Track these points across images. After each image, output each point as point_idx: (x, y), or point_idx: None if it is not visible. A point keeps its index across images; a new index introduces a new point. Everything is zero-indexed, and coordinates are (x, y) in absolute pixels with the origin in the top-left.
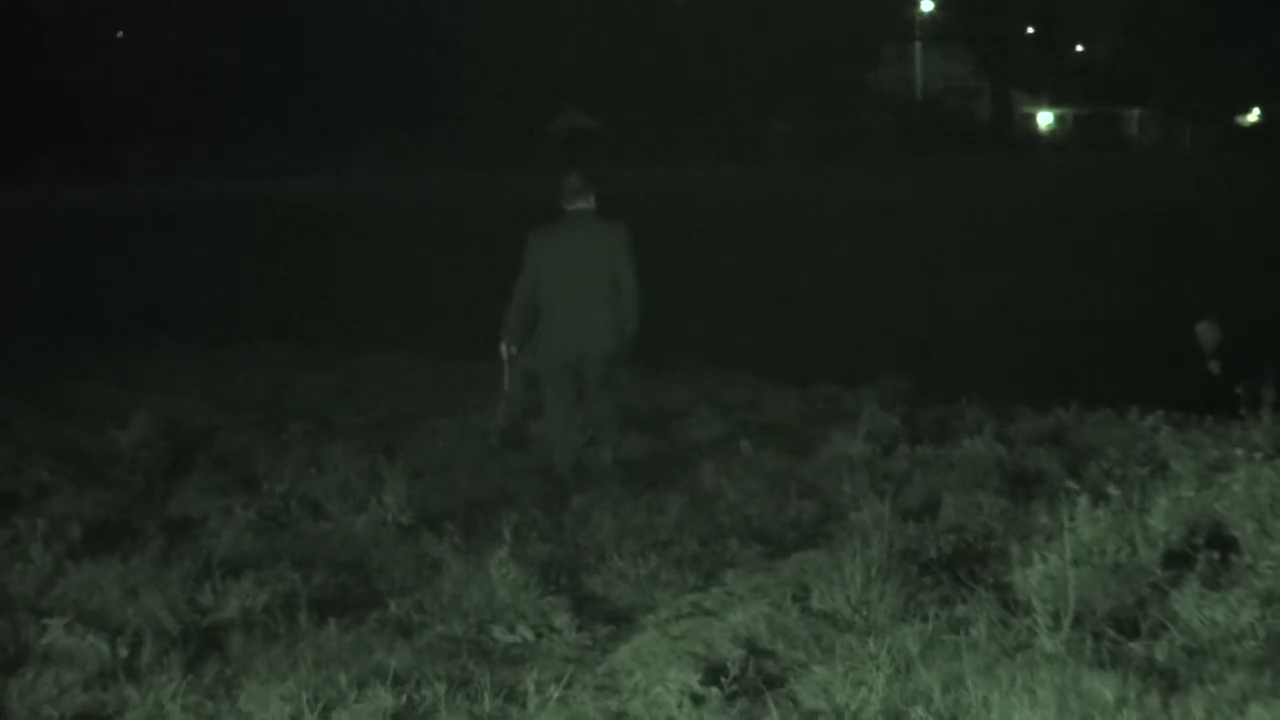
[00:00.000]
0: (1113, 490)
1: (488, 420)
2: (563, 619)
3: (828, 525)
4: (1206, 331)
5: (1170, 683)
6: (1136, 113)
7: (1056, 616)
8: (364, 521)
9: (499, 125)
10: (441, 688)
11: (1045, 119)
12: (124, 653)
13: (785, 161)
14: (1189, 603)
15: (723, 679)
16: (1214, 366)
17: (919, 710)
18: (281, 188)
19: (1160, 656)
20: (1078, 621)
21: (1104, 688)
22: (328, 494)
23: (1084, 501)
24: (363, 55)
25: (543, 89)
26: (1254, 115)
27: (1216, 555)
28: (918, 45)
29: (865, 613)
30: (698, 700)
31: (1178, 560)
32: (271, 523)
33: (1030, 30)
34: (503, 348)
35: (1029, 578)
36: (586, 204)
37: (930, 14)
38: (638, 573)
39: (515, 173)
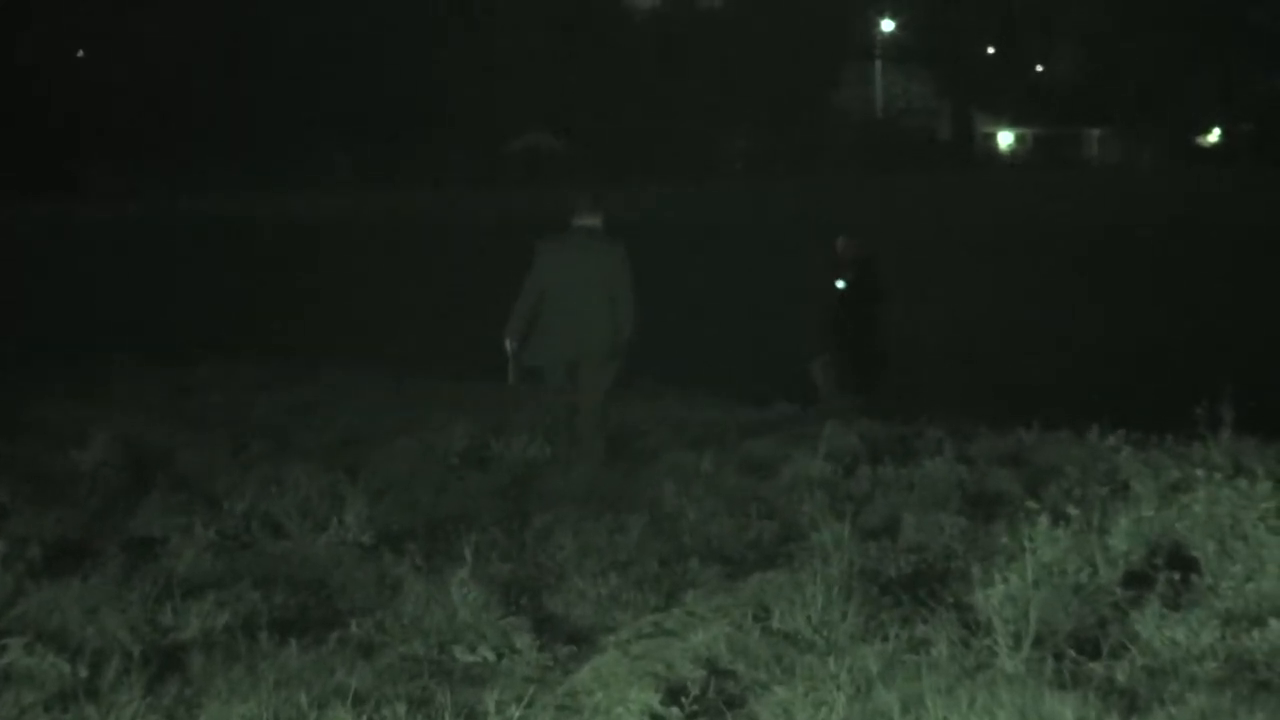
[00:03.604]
0: (1073, 510)
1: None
2: (524, 639)
3: (788, 545)
4: (844, 244)
5: (1131, 703)
6: (1096, 133)
7: (1017, 637)
8: (325, 541)
9: (461, 144)
10: (402, 708)
11: (1005, 139)
12: (84, 673)
13: (745, 180)
14: (1150, 623)
15: (683, 699)
16: (841, 278)
17: None
18: (243, 205)
19: (1121, 677)
20: (1038, 642)
21: (1065, 708)
22: (289, 513)
23: (1044, 522)
24: (326, 73)
25: (506, 109)
26: (1214, 135)
27: (1177, 576)
28: (878, 64)
29: (826, 633)
30: None
31: (1138, 580)
32: (232, 542)
33: (990, 51)
34: (506, 344)
35: (990, 598)
36: (593, 221)
37: (891, 34)
38: (598, 593)
39: (477, 192)
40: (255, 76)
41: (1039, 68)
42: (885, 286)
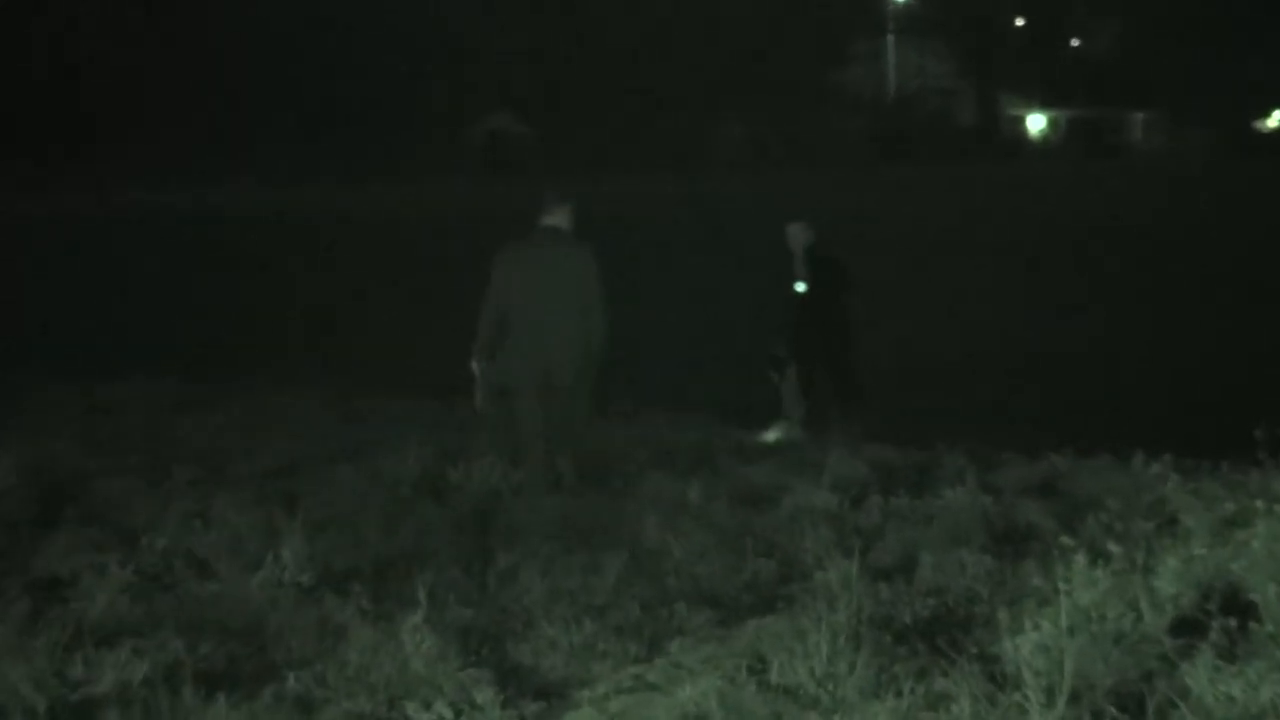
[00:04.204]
0: (1114, 548)
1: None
2: (485, 694)
3: (788, 587)
4: (797, 234)
5: None
6: (1140, 116)
7: (1050, 692)
8: (258, 582)
9: (418, 131)
10: None
11: (1036, 123)
12: None
13: (739, 171)
14: (1201, 676)
15: None
16: (800, 277)
17: None
18: (169, 201)
19: None
20: (1075, 698)
21: None
22: (217, 551)
23: (1081, 560)
24: (265, 55)
25: (470, 91)
26: (1276, 119)
27: (1233, 622)
28: (891, 39)
29: (831, 687)
30: None
31: (1189, 628)
32: (152, 583)
33: (1019, 22)
34: (473, 364)
35: (1019, 647)
36: (560, 220)
37: (905, 4)
38: (571, 641)
39: (436, 184)
40: (191, 62)
41: (1074, 42)
42: (853, 285)
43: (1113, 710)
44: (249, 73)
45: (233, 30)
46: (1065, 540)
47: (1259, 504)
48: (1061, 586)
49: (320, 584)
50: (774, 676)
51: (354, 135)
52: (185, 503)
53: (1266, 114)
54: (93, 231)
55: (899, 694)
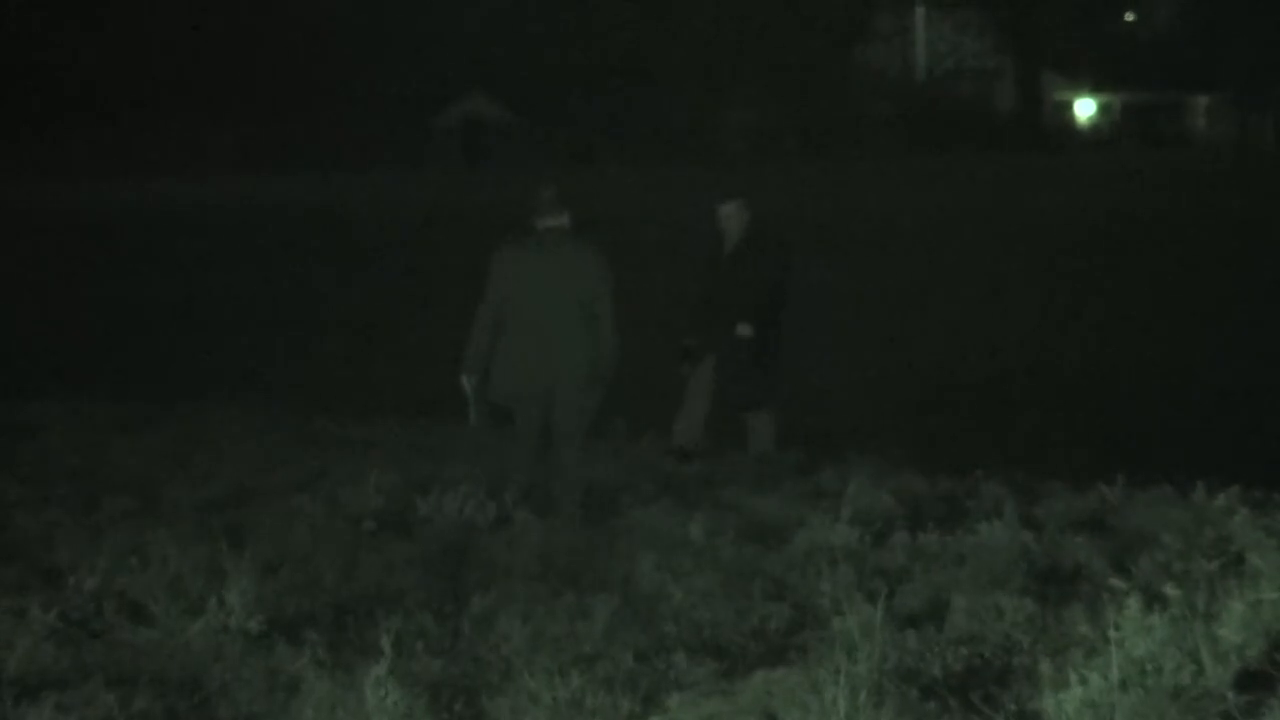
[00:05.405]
0: (1172, 591)
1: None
2: None
3: (802, 635)
4: (731, 215)
5: None
6: (1203, 101)
7: None
8: (200, 628)
9: (383, 117)
10: None
11: (1085, 108)
12: None
13: (747, 162)
14: None
15: None
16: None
17: None
18: (98, 193)
19: None
20: None
21: None
22: (153, 592)
23: (1134, 605)
24: (210, 32)
25: (440, 72)
26: None
27: None
28: (920, 13)
29: None
30: None
31: (1257, 682)
32: (80, 629)
33: None
34: (463, 380)
35: (1064, 704)
36: (559, 221)
37: None
38: (555, 696)
39: (405, 176)
40: (130, 44)
41: (1128, 16)
42: (793, 276)
43: None
44: (190, 53)
45: (176, 8)
46: (1116, 582)
47: None
48: (1112, 635)
49: (271, 631)
50: None
51: (308, 121)
52: (117, 538)
53: None
54: (12, 225)
55: None
